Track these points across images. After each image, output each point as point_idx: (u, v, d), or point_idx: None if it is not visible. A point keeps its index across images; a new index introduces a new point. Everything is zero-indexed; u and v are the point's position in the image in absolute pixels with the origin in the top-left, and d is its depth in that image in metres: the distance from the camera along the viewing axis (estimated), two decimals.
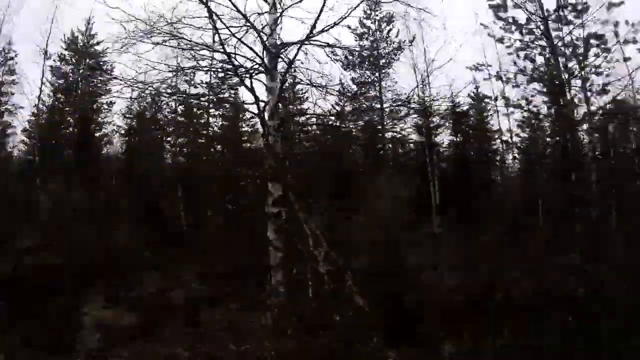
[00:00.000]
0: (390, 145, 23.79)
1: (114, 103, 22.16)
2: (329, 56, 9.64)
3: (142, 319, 8.52)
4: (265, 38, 8.98)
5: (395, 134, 23.06)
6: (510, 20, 16.99)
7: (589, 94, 16.40)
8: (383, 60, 22.18)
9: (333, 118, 17.41)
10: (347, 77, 20.91)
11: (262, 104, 8.90)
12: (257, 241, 9.13)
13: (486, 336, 7.36)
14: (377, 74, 22.07)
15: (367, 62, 21.52)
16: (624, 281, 7.85)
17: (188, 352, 7.31)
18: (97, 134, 22.39)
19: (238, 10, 8.60)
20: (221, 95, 20.46)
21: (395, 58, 22.09)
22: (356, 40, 21.41)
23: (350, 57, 15.76)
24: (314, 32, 8.93)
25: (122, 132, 22.93)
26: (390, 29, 22.14)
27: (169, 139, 22.11)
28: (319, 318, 6.88)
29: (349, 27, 9.31)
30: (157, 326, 8.42)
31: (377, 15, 21.97)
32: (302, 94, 18.70)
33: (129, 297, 9.89)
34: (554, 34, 16.49)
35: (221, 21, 8.47)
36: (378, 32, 22.21)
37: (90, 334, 8.21)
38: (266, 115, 8.93)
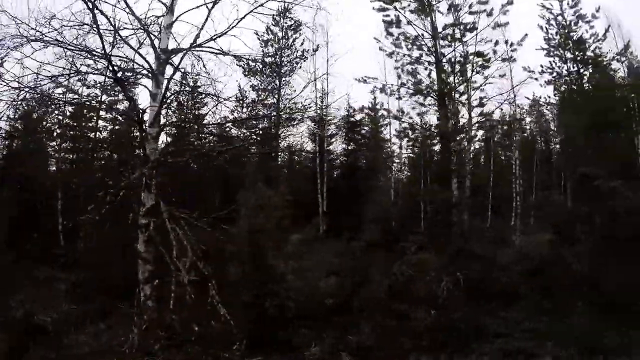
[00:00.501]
0: (286, 154, 24.38)
1: None
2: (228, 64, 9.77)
3: (7, 346, 7.86)
4: (157, 43, 8.87)
5: (290, 142, 23.55)
6: (401, 36, 18.26)
7: (468, 107, 18.28)
8: (285, 68, 22.60)
9: (229, 125, 17.68)
10: (248, 84, 21.31)
11: (141, 111, 8.69)
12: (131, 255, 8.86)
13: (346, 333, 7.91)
14: (277, 82, 22.47)
15: (268, 70, 21.40)
16: None
17: None
18: None
19: (133, 14, 8.51)
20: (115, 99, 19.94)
21: (297, 66, 22.62)
22: (261, 47, 21.67)
23: (253, 64, 15.78)
24: (198, 40, 9.02)
25: (3, 135, 20.76)
26: (296, 38, 22.58)
27: (54, 143, 20.68)
28: (185, 331, 6.92)
29: (235, 36, 9.11)
30: (24, 351, 7.83)
31: (285, 23, 22.18)
32: (200, 100, 18.46)
33: None
34: (441, 50, 17.99)
35: (110, 22, 8.23)
36: (284, 40, 22.56)
37: None
38: (147, 122, 8.67)
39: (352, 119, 24.37)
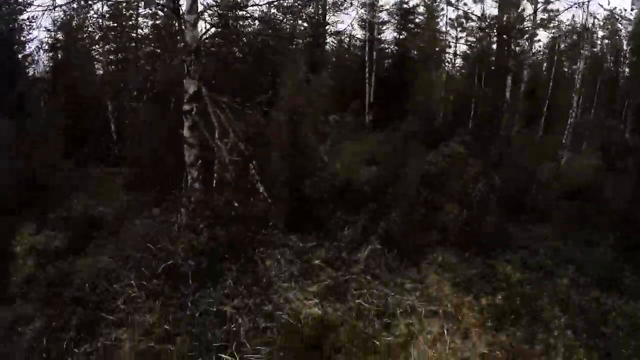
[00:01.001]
0: (334, 41, 23.37)
1: (36, 18, 20.26)
2: None
3: (71, 239, 8.85)
4: None
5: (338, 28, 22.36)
6: None
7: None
8: None
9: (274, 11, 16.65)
10: None
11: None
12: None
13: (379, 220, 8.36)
14: None
15: None
16: None
17: (111, 259, 7.88)
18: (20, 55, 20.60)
19: None
20: None
21: None
22: None
23: None
24: None
25: (47, 47, 21.14)
26: None
27: (98, 47, 20.97)
28: (227, 210, 7.51)
29: None
30: (85, 242, 8.85)
31: None
32: None
33: (60, 218, 9.99)
34: None
35: None
36: None
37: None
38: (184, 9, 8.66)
39: (405, 6, 22.74)
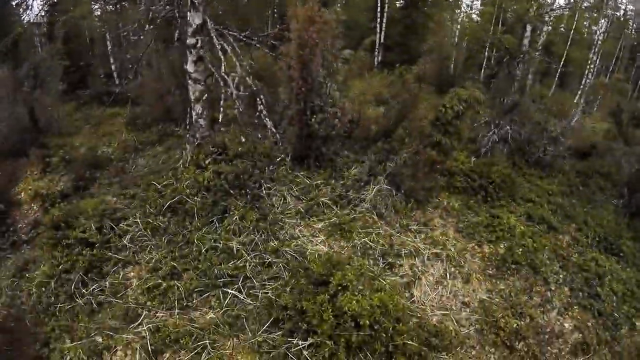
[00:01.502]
0: None
1: None
2: None
3: (75, 180, 8.73)
4: None
5: None
6: None
7: None
8: None
9: None
10: None
11: None
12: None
13: (386, 161, 8.20)
14: None
15: None
16: None
17: (116, 198, 7.83)
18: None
19: None
20: None
21: None
22: None
23: None
24: None
25: None
26: None
27: None
28: (233, 145, 7.33)
29: None
30: (89, 183, 8.76)
31: None
32: None
33: (63, 160, 9.75)
34: None
35: None
36: None
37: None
38: None
39: None
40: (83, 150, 9.86)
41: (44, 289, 6.41)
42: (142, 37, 9.99)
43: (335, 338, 5.09)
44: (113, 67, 16.76)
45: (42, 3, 19.83)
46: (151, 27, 7.58)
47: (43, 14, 19.44)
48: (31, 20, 19.63)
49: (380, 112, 9.80)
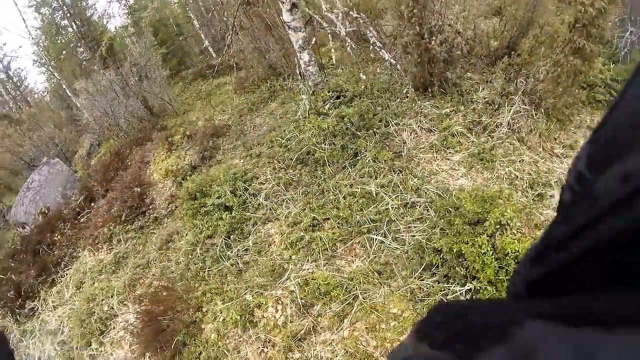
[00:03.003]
0: None
1: None
2: None
3: (200, 152, 8.92)
4: None
5: None
6: None
7: None
8: None
9: None
10: None
11: None
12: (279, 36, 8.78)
13: (516, 78, 7.15)
14: None
15: None
16: None
17: (242, 160, 7.91)
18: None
19: None
20: None
21: None
22: None
23: None
24: None
25: None
26: None
27: None
28: (352, 85, 6.87)
29: None
30: (213, 152, 8.91)
31: None
32: None
33: (184, 136, 10.11)
34: None
35: None
36: None
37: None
38: None
39: None
40: (200, 123, 10.12)
41: (190, 256, 6.62)
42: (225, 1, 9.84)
43: (496, 283, 4.50)
44: (206, 42, 17.22)
45: (122, 9, 21.17)
46: None
47: (126, 17, 20.79)
48: (116, 27, 21.13)
49: (495, 24, 8.59)
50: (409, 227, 5.64)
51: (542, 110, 6.94)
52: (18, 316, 7.92)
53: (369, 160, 6.31)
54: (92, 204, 9.71)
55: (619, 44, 8.55)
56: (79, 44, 19.48)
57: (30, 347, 7.29)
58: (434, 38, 6.29)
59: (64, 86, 19.95)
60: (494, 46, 8.07)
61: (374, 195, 5.96)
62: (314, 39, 7.29)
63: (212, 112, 10.78)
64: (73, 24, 18.80)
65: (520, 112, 6.91)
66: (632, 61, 8.21)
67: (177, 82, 15.44)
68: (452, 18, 6.48)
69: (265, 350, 5.15)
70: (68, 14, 18.72)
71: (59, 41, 19.80)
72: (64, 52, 19.78)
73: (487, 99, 7.18)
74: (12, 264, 8.84)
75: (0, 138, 16.28)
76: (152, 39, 15.63)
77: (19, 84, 26.93)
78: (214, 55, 16.89)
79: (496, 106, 7.00)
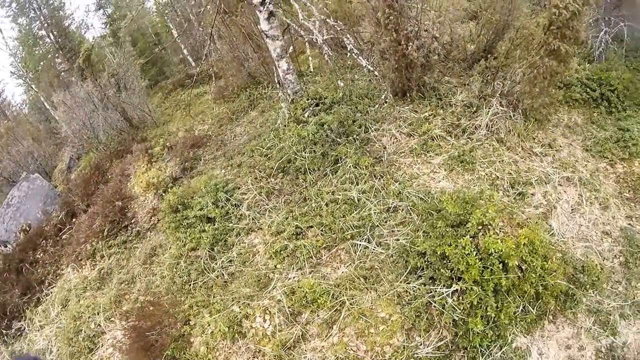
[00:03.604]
0: None
1: None
2: None
3: (180, 163, 8.84)
4: None
5: None
6: None
7: None
8: None
9: None
10: None
11: None
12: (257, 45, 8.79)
13: (494, 80, 7.27)
14: None
15: None
16: None
17: (223, 170, 7.88)
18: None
19: None
20: None
21: None
22: None
23: None
24: None
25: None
26: None
27: None
28: (331, 92, 6.89)
29: None
30: (195, 162, 8.91)
31: None
32: None
33: (164, 148, 9.99)
34: None
35: None
36: None
37: None
38: None
39: None
40: (181, 134, 10.06)
41: (175, 269, 6.57)
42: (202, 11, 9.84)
43: (482, 283, 4.58)
44: (185, 51, 17.16)
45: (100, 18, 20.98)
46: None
47: (104, 27, 20.61)
48: (94, 37, 20.93)
49: (472, 29, 8.73)
50: (393, 231, 5.68)
51: (520, 111, 7.06)
52: (5, 337, 7.76)
53: (349, 167, 6.34)
54: (74, 219, 9.56)
55: (594, 44, 8.75)
56: (56, 55, 19.22)
57: None
58: (410, 44, 6.36)
59: (42, 98, 19.63)
60: (471, 50, 8.20)
61: (356, 201, 5.99)
62: (292, 47, 7.29)
63: (192, 122, 10.74)
64: (50, 34, 18.56)
65: (499, 113, 7.01)
66: (606, 60, 8.43)
67: (156, 92, 15.35)
68: (428, 24, 6.57)
69: None
70: (45, 24, 18.47)
71: (36, 52, 19.53)
72: (41, 63, 19.50)
73: (465, 102, 7.28)
74: None
75: None
76: (131, 48, 15.52)
77: None
78: (193, 64, 16.85)
79: (474, 109, 7.10)
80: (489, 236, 4.70)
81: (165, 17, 19.25)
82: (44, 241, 9.37)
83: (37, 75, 19.66)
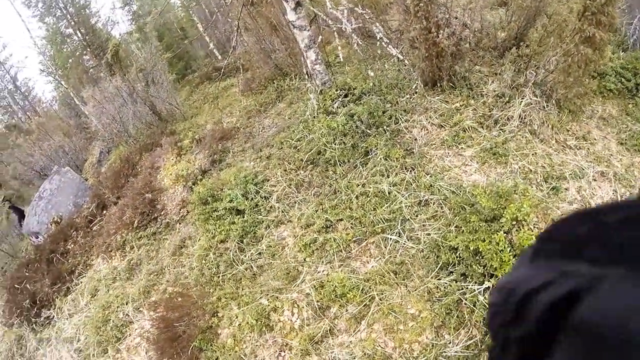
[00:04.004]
0: None
1: None
2: None
3: (209, 155, 8.87)
4: None
5: None
6: None
7: None
8: None
9: None
10: None
11: None
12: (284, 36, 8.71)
13: (525, 69, 7.02)
14: None
15: None
16: None
17: (252, 163, 7.90)
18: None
19: None
20: None
21: None
22: None
23: None
24: None
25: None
26: None
27: None
28: (361, 83, 6.78)
29: None
30: (223, 155, 8.87)
31: None
32: None
33: (193, 141, 10.06)
34: None
35: None
36: None
37: None
38: None
39: None
40: (209, 127, 10.10)
41: (204, 261, 6.59)
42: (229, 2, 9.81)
43: None
44: (211, 45, 17.26)
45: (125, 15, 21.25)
46: None
47: (130, 23, 20.89)
48: (120, 33, 21.23)
49: (502, 15, 8.45)
50: (424, 225, 5.56)
51: (554, 101, 6.82)
52: (34, 325, 7.97)
53: (380, 159, 6.22)
54: (104, 211, 9.73)
55: (627, 31, 8.38)
56: (84, 52, 19.61)
57: (47, 355, 7.34)
58: (441, 31, 6.19)
59: (72, 94, 20.06)
60: (502, 37, 7.93)
61: (387, 194, 5.88)
62: (320, 37, 7.20)
63: (220, 115, 10.76)
64: (78, 32, 18.93)
65: (532, 104, 6.79)
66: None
67: (183, 86, 15.49)
68: (458, 10, 6.39)
69: (283, 354, 5.12)
70: (72, 23, 18.84)
71: (64, 50, 19.93)
72: (70, 60, 19.90)
73: (497, 92, 7.06)
74: (27, 274, 8.90)
75: (10, 148, 16.43)
76: (157, 43, 15.69)
77: (27, 94, 27.14)
78: (219, 57, 16.93)
79: (506, 99, 6.88)
80: (524, 232, 4.55)
81: (190, 12, 19.39)
82: (74, 232, 9.57)
83: (66, 72, 20.07)
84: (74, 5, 18.78)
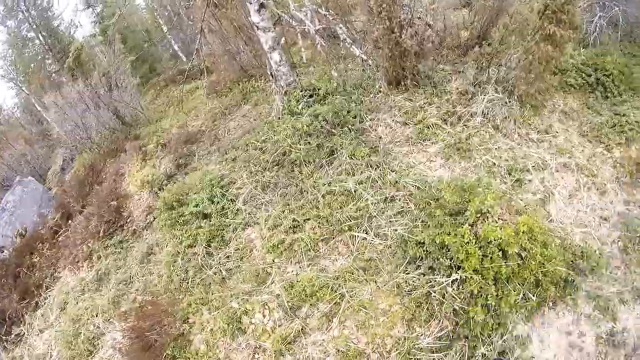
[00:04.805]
0: None
1: None
2: None
3: (175, 160, 8.78)
4: None
5: None
6: None
7: None
8: None
9: None
10: None
11: None
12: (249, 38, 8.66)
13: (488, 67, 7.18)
14: None
15: None
16: None
17: (218, 165, 7.79)
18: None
19: None
20: None
21: None
22: None
23: None
24: None
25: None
26: None
27: None
28: (324, 83, 6.79)
29: None
30: (189, 158, 8.80)
31: None
32: None
33: (157, 145, 9.85)
34: None
35: None
36: None
37: None
38: None
39: None
40: (174, 131, 9.96)
41: (172, 267, 6.49)
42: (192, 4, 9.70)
43: (482, 271, 4.52)
44: (176, 47, 17.01)
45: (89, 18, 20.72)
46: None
47: (93, 25, 20.36)
48: (83, 36, 20.67)
49: (465, 15, 8.65)
50: (390, 221, 5.62)
51: (516, 97, 6.99)
52: (5, 343, 7.67)
53: (345, 158, 6.26)
54: (69, 221, 9.46)
55: (589, 29, 8.66)
56: (46, 56, 19.00)
57: None
58: (404, 32, 6.27)
59: (33, 100, 19.41)
60: (465, 37, 8.12)
61: (353, 192, 5.93)
62: (284, 39, 7.19)
63: (185, 118, 10.64)
64: (40, 35, 18.33)
65: (494, 100, 6.94)
66: (601, 44, 8.36)
67: (148, 90, 15.23)
68: (421, 11, 6.48)
69: (256, 356, 5.08)
70: (34, 26, 18.22)
71: (26, 54, 19.27)
72: (32, 65, 19.27)
73: (460, 89, 7.21)
74: None
75: None
76: (121, 46, 15.36)
77: None
78: (184, 59, 16.72)
79: (470, 96, 7.03)
80: (488, 224, 4.65)
81: (155, 14, 19.06)
82: (40, 245, 9.27)
83: (28, 77, 19.42)
84: (36, 7, 18.17)
